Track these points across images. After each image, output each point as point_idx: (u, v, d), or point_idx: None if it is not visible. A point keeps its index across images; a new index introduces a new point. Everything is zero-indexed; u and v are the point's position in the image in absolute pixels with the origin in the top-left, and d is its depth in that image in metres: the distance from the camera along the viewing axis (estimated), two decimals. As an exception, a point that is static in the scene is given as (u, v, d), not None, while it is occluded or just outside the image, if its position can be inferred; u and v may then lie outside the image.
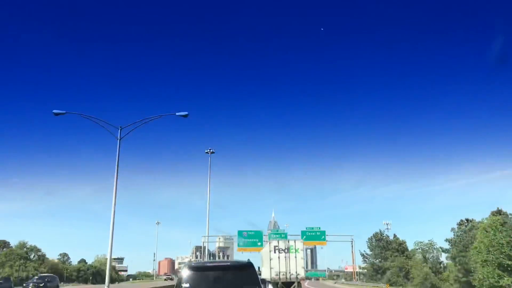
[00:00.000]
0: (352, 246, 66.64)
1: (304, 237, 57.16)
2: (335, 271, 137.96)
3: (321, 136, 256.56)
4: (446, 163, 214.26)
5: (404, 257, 63.44)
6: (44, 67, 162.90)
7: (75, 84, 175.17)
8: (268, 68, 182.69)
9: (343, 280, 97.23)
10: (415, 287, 53.25)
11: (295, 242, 30.90)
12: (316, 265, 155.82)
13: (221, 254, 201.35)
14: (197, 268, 9.42)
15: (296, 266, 29.85)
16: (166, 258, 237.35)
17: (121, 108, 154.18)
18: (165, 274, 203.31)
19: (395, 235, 71.80)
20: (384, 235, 73.35)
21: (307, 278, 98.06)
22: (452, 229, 51.74)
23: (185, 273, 9.00)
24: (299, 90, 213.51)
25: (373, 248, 73.13)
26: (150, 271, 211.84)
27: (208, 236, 60.39)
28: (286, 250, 30.24)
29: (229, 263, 10.75)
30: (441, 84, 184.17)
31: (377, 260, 71.53)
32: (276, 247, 30.46)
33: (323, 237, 61.97)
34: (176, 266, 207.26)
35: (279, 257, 30.13)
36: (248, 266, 9.25)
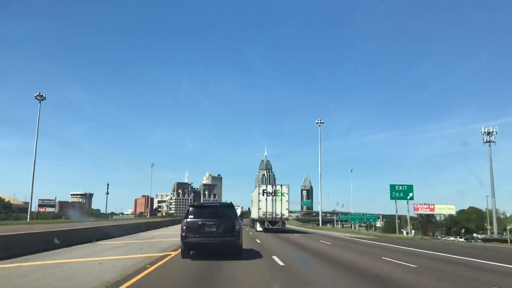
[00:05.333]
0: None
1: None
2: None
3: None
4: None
5: None
6: None
7: None
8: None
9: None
10: None
11: (281, 186, 34.54)
12: (312, 207, 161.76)
13: (207, 192, 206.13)
14: (198, 206, 14.28)
15: (281, 208, 33.76)
16: (143, 196, 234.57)
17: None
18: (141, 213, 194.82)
19: None
20: None
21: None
22: None
23: (191, 209, 13.45)
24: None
25: None
26: (129, 210, 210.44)
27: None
28: (273, 194, 33.93)
29: (217, 204, 16.75)
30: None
31: None
32: (265, 191, 34.16)
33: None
34: (155, 205, 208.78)
35: (266, 200, 33.85)
36: (230, 205, 14.07)
